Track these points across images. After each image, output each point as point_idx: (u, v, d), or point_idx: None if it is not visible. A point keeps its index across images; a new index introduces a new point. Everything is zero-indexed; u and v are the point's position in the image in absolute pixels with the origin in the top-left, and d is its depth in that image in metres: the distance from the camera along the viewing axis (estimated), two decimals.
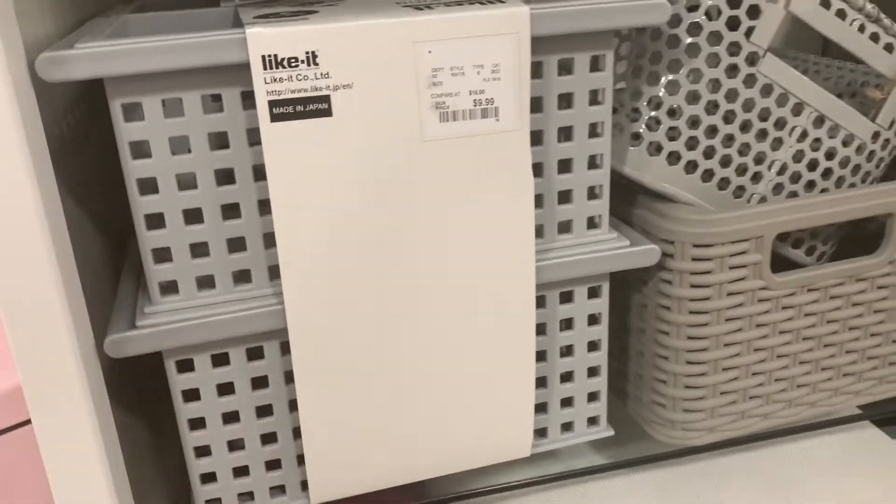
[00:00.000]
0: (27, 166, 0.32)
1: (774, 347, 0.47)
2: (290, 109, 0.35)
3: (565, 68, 0.41)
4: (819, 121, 0.46)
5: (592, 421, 0.49)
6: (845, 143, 0.47)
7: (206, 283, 0.39)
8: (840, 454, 0.54)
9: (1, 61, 0.30)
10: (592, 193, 0.43)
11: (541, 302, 0.45)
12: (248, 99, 0.36)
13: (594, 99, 0.42)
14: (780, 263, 0.48)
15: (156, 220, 0.37)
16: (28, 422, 0.55)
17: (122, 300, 0.40)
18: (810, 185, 0.47)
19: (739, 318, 0.46)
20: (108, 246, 0.45)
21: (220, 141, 0.37)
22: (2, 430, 0.53)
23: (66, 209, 0.37)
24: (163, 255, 0.38)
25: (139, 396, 0.47)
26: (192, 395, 0.41)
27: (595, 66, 0.41)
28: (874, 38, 0.45)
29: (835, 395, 0.50)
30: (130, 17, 0.44)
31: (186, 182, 0.37)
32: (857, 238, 0.52)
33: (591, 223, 0.44)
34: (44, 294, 0.34)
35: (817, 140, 0.46)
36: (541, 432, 0.48)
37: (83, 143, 0.43)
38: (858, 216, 0.46)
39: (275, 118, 0.35)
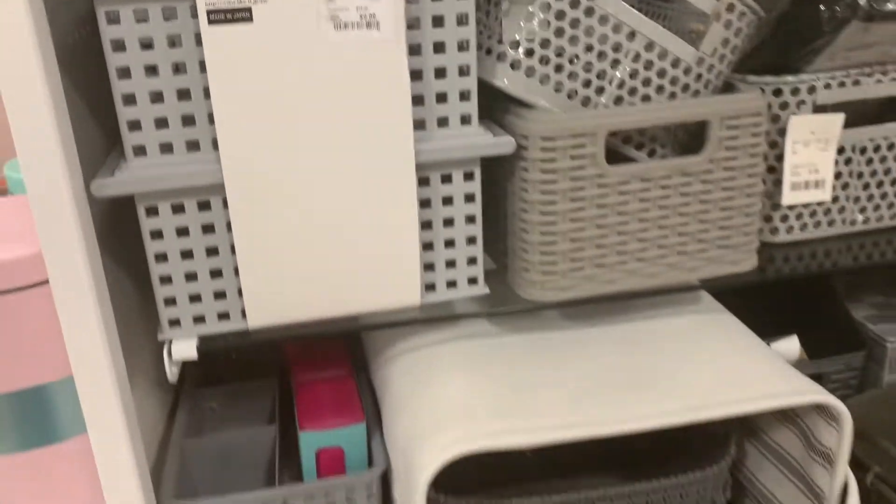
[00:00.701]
0: (37, 53, 0.47)
1: (614, 226, 0.60)
2: (222, 17, 0.49)
3: None
4: (650, 46, 0.59)
5: (472, 280, 0.62)
6: (674, 65, 0.60)
7: (166, 148, 0.53)
8: (677, 317, 0.67)
9: None
10: (463, 96, 0.57)
11: (426, 181, 0.58)
12: (195, 10, 0.50)
13: (461, 21, 0.55)
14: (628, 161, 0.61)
15: (130, 99, 0.52)
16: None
17: (110, 161, 0.55)
18: (646, 98, 0.60)
19: (582, 199, 0.59)
20: (106, 131, 0.60)
21: (175, 41, 0.51)
22: (29, 285, 0.68)
23: (69, 99, 0.51)
24: (135, 125, 0.52)
25: (127, 251, 0.62)
26: (157, 234, 0.55)
27: None
28: None
29: (671, 270, 0.63)
30: None
31: (152, 71, 0.51)
32: (696, 146, 0.64)
33: (464, 120, 0.57)
34: (48, 151, 0.49)
35: (650, 62, 0.59)
36: (430, 287, 0.62)
37: (89, 52, 0.58)
38: (674, 121, 0.59)
39: (211, 23, 0.49)
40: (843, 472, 0.61)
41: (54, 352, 0.69)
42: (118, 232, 0.61)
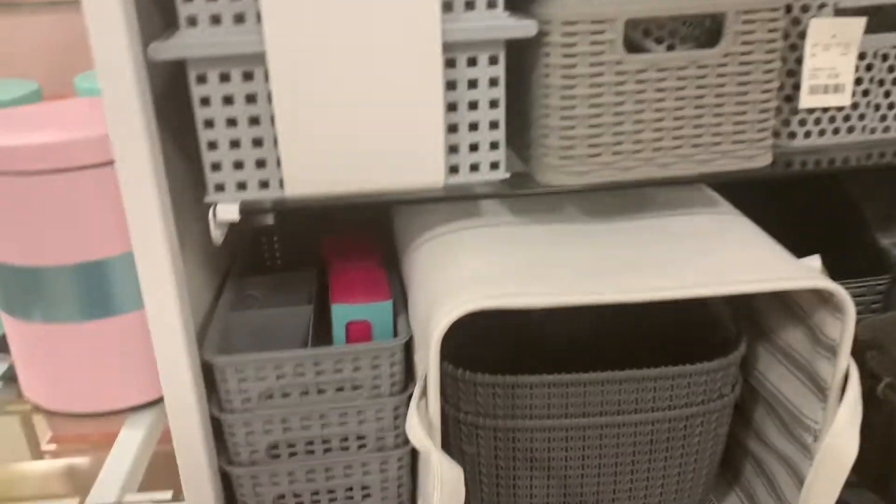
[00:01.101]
0: None
1: (631, 113, 0.64)
2: None
3: None
4: None
5: (494, 165, 0.66)
6: None
7: (215, 20, 0.59)
8: (692, 216, 0.70)
9: None
10: None
11: (452, 63, 0.62)
12: None
13: None
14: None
15: None
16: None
17: (168, 32, 0.60)
18: None
19: (601, 85, 0.62)
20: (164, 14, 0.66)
21: None
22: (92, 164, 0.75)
23: None
24: None
25: (180, 141, 0.68)
26: (205, 101, 0.61)
27: None
28: None
29: (686, 161, 0.66)
30: None
31: None
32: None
33: (490, 4, 0.61)
34: (116, 29, 0.55)
35: None
36: (454, 169, 0.66)
37: None
38: (691, 11, 0.61)
39: None
40: (846, 360, 0.64)
41: (113, 229, 0.75)
42: (172, 122, 0.66)
